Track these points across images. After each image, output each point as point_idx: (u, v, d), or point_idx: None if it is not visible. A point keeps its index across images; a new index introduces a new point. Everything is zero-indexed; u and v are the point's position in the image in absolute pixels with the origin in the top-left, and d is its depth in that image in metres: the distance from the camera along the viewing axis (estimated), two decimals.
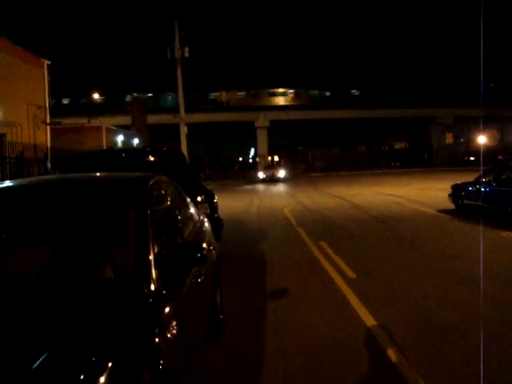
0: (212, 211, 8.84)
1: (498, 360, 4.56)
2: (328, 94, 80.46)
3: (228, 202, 21.46)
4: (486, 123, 74.13)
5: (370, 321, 5.76)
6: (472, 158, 73.85)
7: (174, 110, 42.05)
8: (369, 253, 9.99)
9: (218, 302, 5.47)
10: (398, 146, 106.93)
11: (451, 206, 16.34)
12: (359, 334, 5.36)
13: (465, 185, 15.89)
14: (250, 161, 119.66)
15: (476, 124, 73.04)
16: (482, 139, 67.69)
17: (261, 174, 46.31)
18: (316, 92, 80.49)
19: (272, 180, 44.17)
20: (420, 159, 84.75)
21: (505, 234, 11.43)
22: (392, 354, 4.78)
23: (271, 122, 78.98)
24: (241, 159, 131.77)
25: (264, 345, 5.16)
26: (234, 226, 14.01)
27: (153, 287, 2.90)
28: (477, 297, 6.40)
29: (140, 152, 10.14)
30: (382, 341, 5.13)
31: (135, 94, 67.88)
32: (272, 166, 49.62)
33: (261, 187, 35.24)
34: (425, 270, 8.27)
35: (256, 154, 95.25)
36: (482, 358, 4.40)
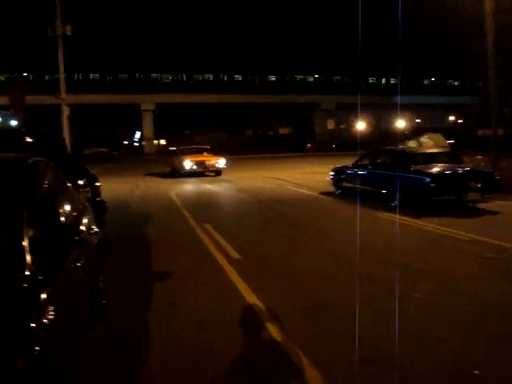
0: (94, 195, 8.61)
1: (372, 333, 4.87)
2: (215, 77, 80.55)
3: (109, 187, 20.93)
4: (364, 110, 77.72)
5: (253, 299, 5.91)
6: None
7: (56, 90, 40.01)
8: (253, 234, 10.20)
9: (101, 286, 5.36)
10: (282, 131, 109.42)
11: (332, 188, 17.05)
12: (244, 313, 5.48)
13: (344, 168, 16.63)
14: (136, 144, 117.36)
15: (356, 111, 76.42)
16: (360, 125, 70.97)
17: (188, 164, 27.11)
18: (201, 76, 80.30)
19: (205, 173, 27.38)
20: (304, 144, 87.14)
21: (380, 214, 12.11)
22: (274, 330, 4.94)
23: (158, 104, 77.87)
24: (126, 142, 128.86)
25: (150, 329, 5.13)
26: (119, 209, 13.72)
27: (27, 272, 2.79)
28: (355, 273, 6.78)
29: (16, 133, 9.60)
30: (265, 318, 5.28)
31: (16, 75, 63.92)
32: (200, 151, 29.68)
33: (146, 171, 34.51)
34: (307, 250, 8.61)
35: (142, 138, 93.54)
36: (357, 331, 4.68)
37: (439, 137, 24.74)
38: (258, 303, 5.77)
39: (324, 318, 5.29)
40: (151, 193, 19.65)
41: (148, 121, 79.06)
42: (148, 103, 76.73)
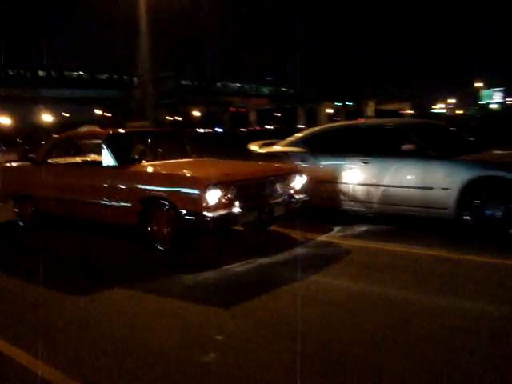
0: None
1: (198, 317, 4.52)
2: None
3: None
4: (7, 103, 73.31)
5: None
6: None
7: None
8: None
9: None
10: None
11: None
12: None
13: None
14: None
15: None
16: (4, 120, 66.91)
17: (215, 196, 5.77)
18: None
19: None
20: None
21: None
22: None
23: None
24: None
25: None
26: None
27: None
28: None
29: None
30: None
31: None
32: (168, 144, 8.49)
33: None
34: None
35: None
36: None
37: (97, 128, 25.59)
38: None
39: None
40: None
41: None
42: None
